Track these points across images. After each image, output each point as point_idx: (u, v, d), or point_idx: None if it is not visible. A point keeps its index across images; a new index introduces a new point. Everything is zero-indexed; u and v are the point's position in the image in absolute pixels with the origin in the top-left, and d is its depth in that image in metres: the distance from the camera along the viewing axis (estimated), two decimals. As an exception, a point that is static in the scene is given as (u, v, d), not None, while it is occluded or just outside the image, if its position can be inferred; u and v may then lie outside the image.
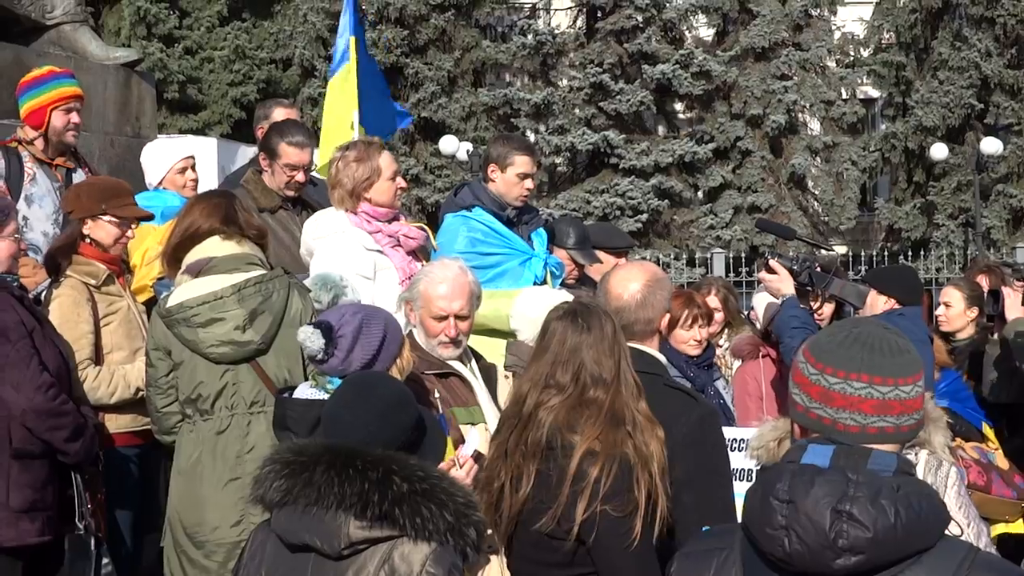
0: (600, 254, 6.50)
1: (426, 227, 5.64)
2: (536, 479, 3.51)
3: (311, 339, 4.06)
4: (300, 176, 6.03)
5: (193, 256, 4.83)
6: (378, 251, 5.26)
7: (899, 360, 2.33)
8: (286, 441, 4.08)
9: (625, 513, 3.41)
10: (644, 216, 27.30)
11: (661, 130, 29.95)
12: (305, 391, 4.19)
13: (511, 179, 6.04)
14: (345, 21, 7.75)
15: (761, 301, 6.05)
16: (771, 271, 5.38)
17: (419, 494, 2.74)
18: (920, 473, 3.73)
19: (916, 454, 3.81)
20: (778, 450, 3.61)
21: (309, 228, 5.46)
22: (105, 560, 5.15)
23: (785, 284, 5.34)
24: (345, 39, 7.60)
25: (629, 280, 4.04)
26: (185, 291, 4.76)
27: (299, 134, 6.05)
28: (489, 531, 3.40)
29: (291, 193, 6.07)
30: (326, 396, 3.98)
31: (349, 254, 5.18)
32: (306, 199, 6.19)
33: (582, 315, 3.62)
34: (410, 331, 4.50)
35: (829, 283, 5.43)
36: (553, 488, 3.46)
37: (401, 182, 5.44)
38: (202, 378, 4.70)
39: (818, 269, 5.43)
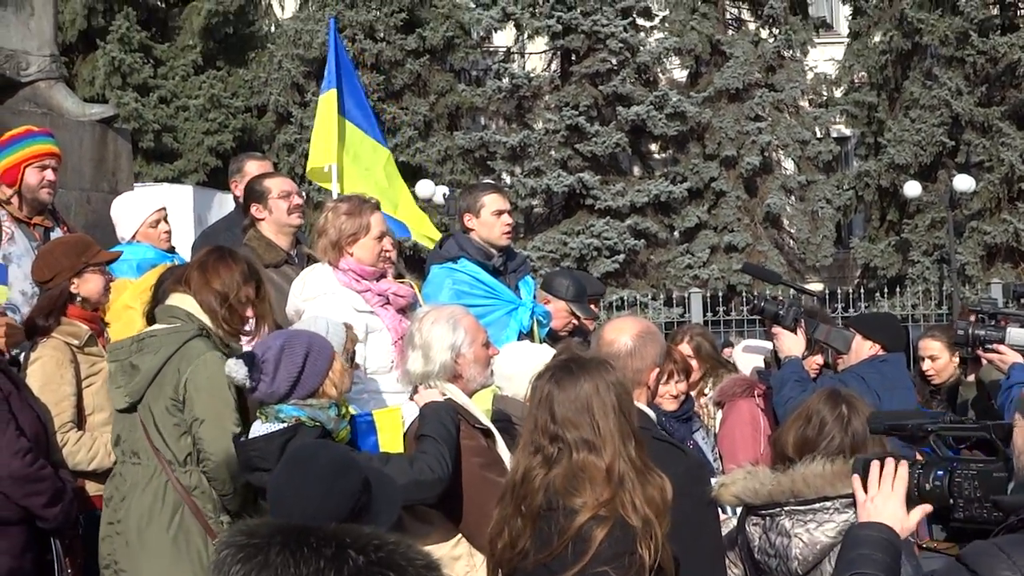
0: None
1: (413, 284, 5.60)
2: (536, 540, 3.45)
3: (235, 370, 4.16)
4: (297, 199, 6.09)
5: None
6: (369, 312, 5.19)
7: None
8: (251, 478, 4.17)
9: (629, 575, 3.37)
10: (621, 256, 27.37)
11: (636, 171, 30.09)
12: (259, 428, 4.21)
13: (488, 219, 6.07)
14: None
15: (746, 359, 6.04)
16: (791, 331, 5.48)
17: (376, 563, 2.68)
18: (831, 531, 3.67)
19: (832, 513, 3.71)
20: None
21: (297, 287, 5.38)
22: (86, 626, 5.08)
23: (797, 346, 5.45)
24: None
25: (622, 330, 4.15)
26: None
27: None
28: None
29: (297, 222, 6.09)
30: (281, 425, 4.09)
31: (341, 317, 5.05)
32: (310, 253, 6.10)
33: (557, 375, 3.53)
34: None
35: (815, 328, 5.47)
36: (555, 550, 3.41)
37: (388, 244, 5.40)
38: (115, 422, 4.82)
39: (804, 314, 5.48)
